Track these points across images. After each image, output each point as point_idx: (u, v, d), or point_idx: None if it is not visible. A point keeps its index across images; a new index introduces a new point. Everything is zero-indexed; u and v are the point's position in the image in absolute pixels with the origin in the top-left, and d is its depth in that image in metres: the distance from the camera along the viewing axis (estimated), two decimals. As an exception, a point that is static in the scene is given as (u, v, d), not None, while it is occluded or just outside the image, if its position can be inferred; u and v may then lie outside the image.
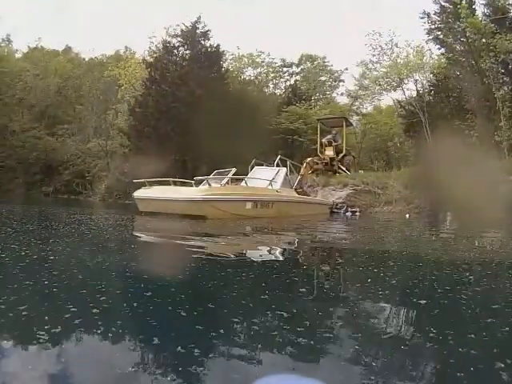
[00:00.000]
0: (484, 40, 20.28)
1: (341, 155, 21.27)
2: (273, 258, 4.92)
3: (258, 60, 34.06)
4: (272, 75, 35.19)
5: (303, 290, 3.08)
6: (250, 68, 34.69)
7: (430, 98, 26.34)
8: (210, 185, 10.75)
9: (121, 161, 28.01)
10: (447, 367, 1.69)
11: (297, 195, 13.96)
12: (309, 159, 18.88)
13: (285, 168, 13.70)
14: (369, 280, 3.33)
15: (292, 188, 14.05)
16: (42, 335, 1.92)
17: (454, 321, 2.29)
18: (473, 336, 2.04)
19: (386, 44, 26.95)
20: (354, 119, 33.62)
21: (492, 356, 1.78)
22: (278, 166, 13.88)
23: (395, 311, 2.52)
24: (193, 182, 11.63)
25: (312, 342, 1.93)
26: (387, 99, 31.91)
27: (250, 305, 2.50)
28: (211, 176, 11.93)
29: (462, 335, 2.07)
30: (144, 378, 1.60)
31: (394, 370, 1.68)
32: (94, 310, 2.32)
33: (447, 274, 3.83)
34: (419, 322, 2.30)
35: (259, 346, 1.88)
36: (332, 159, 20.89)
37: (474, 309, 2.56)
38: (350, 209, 16.25)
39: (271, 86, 36.13)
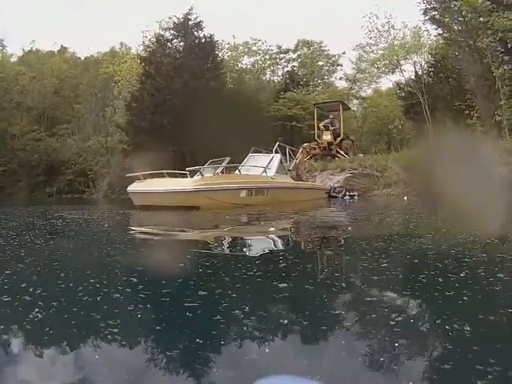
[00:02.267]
0: (481, 19, 19.99)
1: (339, 139, 21.12)
2: (270, 246, 4.84)
3: (254, 48, 33.91)
4: (268, 62, 34.99)
5: (304, 279, 2.96)
6: (246, 57, 34.56)
7: (429, 79, 26.16)
8: (202, 175, 10.66)
9: (121, 157, 28.01)
10: (456, 367, 1.58)
11: (292, 181, 13.83)
12: (305, 144, 18.79)
13: (279, 154, 13.57)
14: (370, 268, 3.23)
15: (287, 174, 13.92)
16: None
17: (463, 310, 2.18)
18: (485, 323, 1.92)
19: (383, 26, 26.77)
20: (354, 103, 33.48)
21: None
22: (276, 152, 13.75)
23: (400, 303, 2.41)
24: (188, 173, 11.57)
25: (314, 341, 1.86)
26: (386, 82, 31.81)
27: (275, 301, 2.39)
28: (205, 166, 11.83)
29: (472, 322, 1.96)
30: (140, 375, 1.55)
31: (398, 371, 1.57)
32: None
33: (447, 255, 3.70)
34: (425, 314, 2.19)
35: (260, 345, 1.78)
36: (330, 144, 20.75)
37: (481, 295, 2.44)
38: (348, 193, 16.15)
39: (268, 73, 35.99)
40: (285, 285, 2.58)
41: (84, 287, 2.55)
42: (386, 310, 2.13)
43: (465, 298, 2.23)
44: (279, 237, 5.52)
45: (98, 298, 2.34)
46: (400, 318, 1.97)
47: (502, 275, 2.74)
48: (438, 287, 2.51)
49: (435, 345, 1.73)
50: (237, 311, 2.10)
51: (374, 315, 2.09)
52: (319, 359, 1.66)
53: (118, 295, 2.43)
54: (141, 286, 2.69)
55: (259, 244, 4.92)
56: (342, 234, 5.65)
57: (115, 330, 1.83)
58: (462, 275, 2.80)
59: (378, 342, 1.78)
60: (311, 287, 2.62)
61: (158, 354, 1.70)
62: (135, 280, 2.90)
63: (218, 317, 2.02)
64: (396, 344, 1.71)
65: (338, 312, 2.11)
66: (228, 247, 4.59)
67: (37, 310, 2.08)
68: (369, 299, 2.32)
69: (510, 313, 1.99)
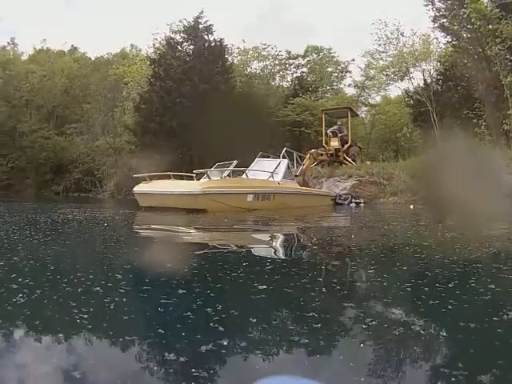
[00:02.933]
0: (490, 26, 19.92)
1: (346, 146, 21.09)
2: (262, 249, 4.83)
3: (263, 53, 33.88)
4: (278, 68, 34.95)
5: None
6: (255, 61, 34.53)
7: (438, 86, 26.05)
8: (209, 178, 10.64)
9: (128, 157, 28.08)
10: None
11: (299, 187, 13.79)
12: (312, 150, 18.72)
13: (286, 160, 13.52)
14: (356, 275, 3.22)
15: (294, 179, 13.87)
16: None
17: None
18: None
19: (392, 33, 26.72)
20: (363, 110, 33.40)
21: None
22: (283, 158, 13.71)
23: (377, 309, 2.38)
24: (194, 175, 11.57)
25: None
26: (395, 89, 31.67)
27: (251, 301, 2.40)
28: (212, 169, 11.83)
29: (450, 329, 1.95)
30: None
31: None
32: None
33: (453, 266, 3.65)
34: (402, 320, 2.16)
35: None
36: (337, 150, 20.74)
37: (468, 304, 2.41)
38: (354, 200, 16.07)
39: (278, 78, 35.91)
40: (264, 287, 2.59)
41: (69, 279, 2.71)
42: (361, 315, 2.12)
43: (449, 307, 2.21)
44: (273, 241, 5.51)
45: (80, 289, 2.48)
46: (374, 323, 1.97)
47: (493, 286, 2.71)
48: (422, 296, 2.50)
49: (404, 348, 1.74)
50: (209, 309, 2.13)
51: (347, 319, 2.09)
52: (277, 360, 1.67)
53: (98, 288, 2.54)
54: (123, 282, 2.80)
55: (251, 247, 4.91)
56: (336, 241, 5.63)
57: (85, 316, 1.98)
58: (450, 285, 2.77)
59: (344, 345, 1.78)
60: (290, 290, 2.61)
61: (120, 342, 1.78)
62: (119, 276, 3.02)
63: (188, 313, 2.05)
64: (361, 345, 1.72)
65: (310, 314, 2.09)
66: (219, 249, 4.57)
67: (20, 295, 2.26)
68: (345, 304, 2.32)
69: (494, 321, 1.97)
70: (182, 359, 1.54)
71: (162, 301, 2.19)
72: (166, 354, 1.57)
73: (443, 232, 6.49)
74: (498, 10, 19.41)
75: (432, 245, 4.91)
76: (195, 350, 1.62)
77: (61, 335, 1.80)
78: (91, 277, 2.81)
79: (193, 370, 1.48)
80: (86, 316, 1.97)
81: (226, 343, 1.69)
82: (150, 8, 73.24)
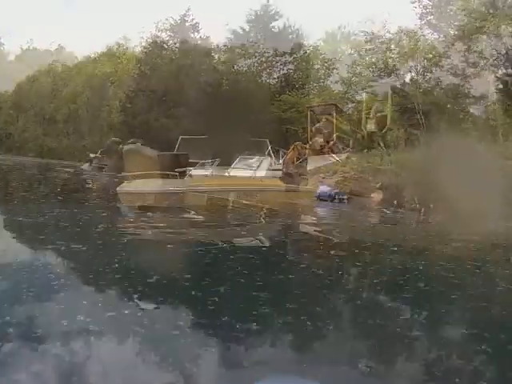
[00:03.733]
0: (477, 24, 20.00)
1: (331, 142, 21.12)
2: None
3: (250, 50, 33.71)
4: (264, 65, 34.79)
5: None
6: (242, 59, 34.32)
7: (425, 83, 26.13)
8: (191, 176, 10.66)
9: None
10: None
11: (281, 183, 13.77)
12: (297, 143, 18.81)
13: (269, 157, 13.56)
14: (300, 271, 3.22)
15: (276, 177, 13.85)
16: None
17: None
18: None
19: (379, 31, 26.76)
20: (349, 107, 33.36)
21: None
22: (269, 155, 13.75)
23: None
24: (177, 174, 11.57)
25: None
26: (382, 86, 31.54)
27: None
28: (195, 167, 11.85)
29: (341, 323, 1.96)
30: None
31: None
32: None
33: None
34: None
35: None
36: (322, 147, 20.75)
37: (405, 302, 2.38)
38: (337, 196, 16.02)
39: (264, 75, 35.71)
40: (189, 276, 2.68)
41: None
42: (261, 302, 2.15)
43: (358, 303, 2.19)
44: (232, 237, 5.51)
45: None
46: (257, 312, 1.99)
47: (422, 284, 2.66)
48: (334, 293, 2.47)
49: (290, 342, 1.87)
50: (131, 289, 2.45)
51: (243, 305, 2.11)
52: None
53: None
54: (66, 265, 3.00)
55: (207, 243, 4.91)
56: (290, 238, 5.63)
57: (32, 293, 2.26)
58: (375, 280, 2.74)
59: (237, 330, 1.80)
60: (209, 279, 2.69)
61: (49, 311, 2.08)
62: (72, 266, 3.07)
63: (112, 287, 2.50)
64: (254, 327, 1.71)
65: (211, 299, 2.13)
66: (173, 244, 4.61)
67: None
68: (247, 294, 2.34)
69: (397, 321, 1.95)
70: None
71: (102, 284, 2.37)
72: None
73: (409, 229, 6.46)
74: (484, 8, 19.52)
75: (385, 242, 4.87)
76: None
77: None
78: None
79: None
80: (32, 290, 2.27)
81: (127, 312, 1.97)
82: (139, 8, 73.06)
